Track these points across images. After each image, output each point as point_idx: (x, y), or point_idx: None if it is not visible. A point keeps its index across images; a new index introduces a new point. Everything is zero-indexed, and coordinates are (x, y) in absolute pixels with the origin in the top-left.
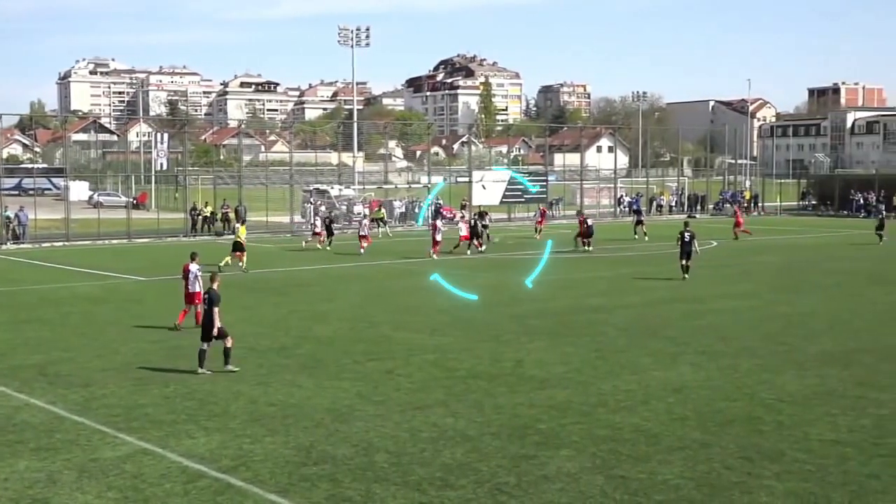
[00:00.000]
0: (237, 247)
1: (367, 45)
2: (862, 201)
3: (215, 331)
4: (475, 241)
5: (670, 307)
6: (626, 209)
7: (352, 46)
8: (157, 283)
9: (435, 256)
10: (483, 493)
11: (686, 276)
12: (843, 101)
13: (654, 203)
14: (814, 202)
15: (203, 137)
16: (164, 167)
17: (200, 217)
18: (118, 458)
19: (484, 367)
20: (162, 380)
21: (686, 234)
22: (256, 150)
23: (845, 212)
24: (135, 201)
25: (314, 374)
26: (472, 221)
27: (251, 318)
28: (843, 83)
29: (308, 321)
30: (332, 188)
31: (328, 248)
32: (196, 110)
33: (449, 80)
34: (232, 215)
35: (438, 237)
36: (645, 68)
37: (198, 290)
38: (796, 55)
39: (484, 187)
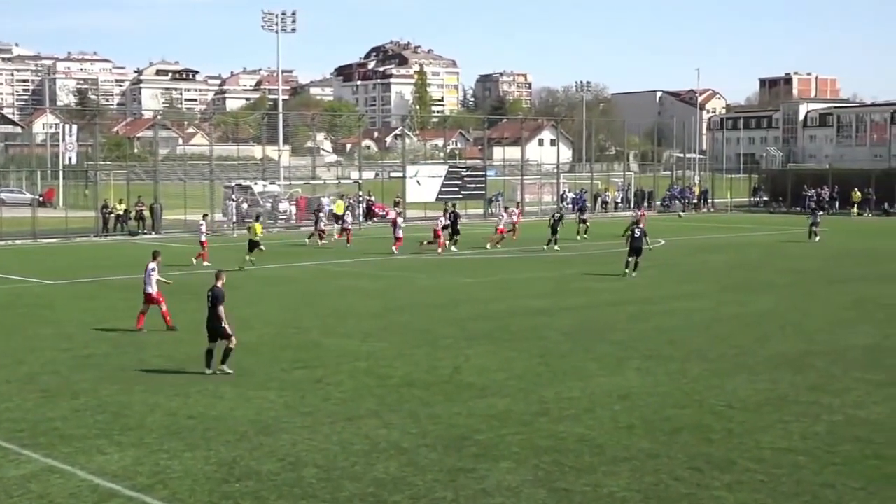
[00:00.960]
0: (253, 245)
1: (294, 30)
2: (815, 197)
3: (226, 328)
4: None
5: (616, 309)
6: (570, 206)
7: (277, 32)
8: (66, 286)
9: (394, 250)
10: None
11: (634, 273)
12: (795, 91)
13: (599, 199)
14: (765, 198)
15: (115, 129)
16: (73, 161)
17: (113, 215)
18: (23, 477)
19: (419, 374)
20: (71, 391)
21: (636, 230)
22: (174, 142)
23: (798, 208)
24: (41, 198)
25: (238, 383)
26: (451, 218)
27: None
28: (796, 73)
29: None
30: (255, 184)
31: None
32: (108, 100)
33: (381, 69)
34: (147, 213)
35: (399, 233)
36: (589, 57)
37: (151, 290)
38: (747, 44)
39: (419, 183)
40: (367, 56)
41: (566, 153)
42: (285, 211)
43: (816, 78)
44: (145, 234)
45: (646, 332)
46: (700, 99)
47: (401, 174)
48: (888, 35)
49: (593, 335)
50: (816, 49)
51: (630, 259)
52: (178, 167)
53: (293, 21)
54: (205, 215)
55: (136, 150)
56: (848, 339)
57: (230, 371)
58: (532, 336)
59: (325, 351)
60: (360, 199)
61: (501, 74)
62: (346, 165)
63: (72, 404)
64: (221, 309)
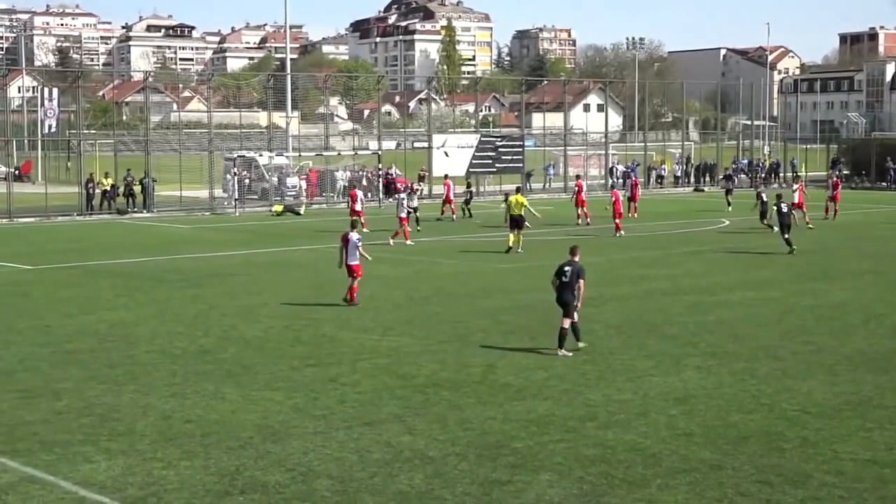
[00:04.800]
0: (516, 223)
1: None
2: None
3: (578, 305)
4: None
5: (672, 299)
6: (620, 180)
7: None
8: (45, 272)
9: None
10: None
11: (794, 248)
12: (881, 48)
13: (654, 173)
14: (846, 172)
15: (101, 93)
16: (53, 130)
17: (98, 191)
18: None
19: (448, 373)
20: (52, 391)
21: (783, 206)
22: (167, 108)
23: (884, 183)
24: (17, 172)
25: (241, 383)
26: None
27: (162, 314)
28: (882, 27)
29: (233, 318)
30: (260, 155)
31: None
32: (92, 60)
33: (403, 24)
34: (137, 189)
35: (358, 206)
36: (642, 10)
37: (356, 262)
38: None
39: (446, 154)
40: (388, 9)
41: (616, 120)
42: (294, 186)
43: None
44: (135, 212)
45: (706, 326)
46: (770, 58)
47: (426, 144)
48: None
49: (646, 329)
50: None
51: (786, 236)
52: (172, 136)
53: None
54: (518, 189)
55: (124, 117)
56: None
57: (582, 344)
58: None
59: (340, 346)
60: (380, 172)
61: (541, 30)
62: (363, 134)
63: (53, 406)
64: (583, 283)
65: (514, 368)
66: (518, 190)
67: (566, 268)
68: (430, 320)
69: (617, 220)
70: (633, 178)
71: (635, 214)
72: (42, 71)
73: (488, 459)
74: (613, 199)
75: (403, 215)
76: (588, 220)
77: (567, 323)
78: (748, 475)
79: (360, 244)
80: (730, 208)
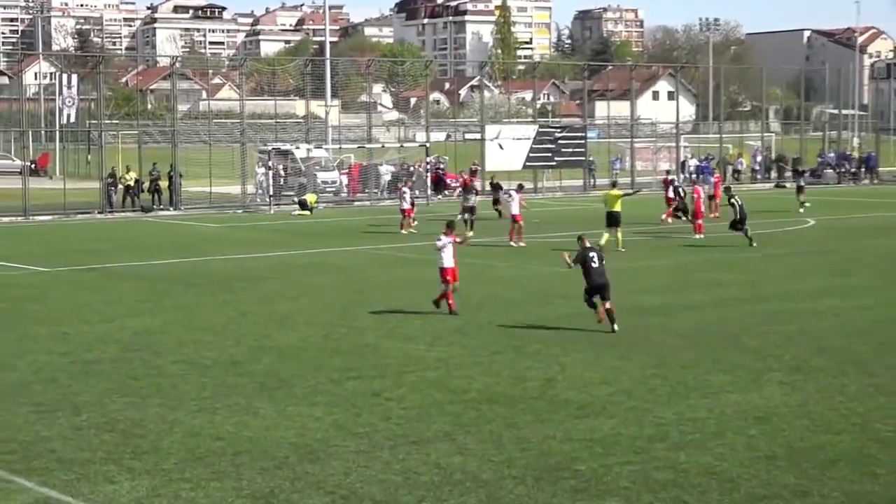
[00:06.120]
0: (613, 220)
1: None
2: None
3: None
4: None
5: (751, 308)
6: (693, 175)
7: None
8: (63, 274)
9: (404, 232)
10: None
11: (753, 242)
12: None
13: (730, 168)
14: None
15: (124, 80)
16: (73, 120)
17: (121, 187)
18: None
19: (502, 387)
20: (72, 405)
21: (737, 200)
22: (196, 96)
23: None
24: (33, 166)
25: (275, 397)
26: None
27: (190, 322)
28: None
29: (267, 326)
30: (297, 148)
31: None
32: (114, 44)
33: (453, 3)
34: (164, 184)
35: (405, 205)
36: None
37: (445, 265)
38: None
39: (501, 147)
40: None
41: (688, 109)
42: (334, 182)
43: None
44: (161, 209)
45: (790, 337)
46: (860, 40)
47: (478, 136)
48: None
49: (723, 340)
50: None
51: (745, 229)
52: (201, 127)
53: None
54: (614, 184)
55: (149, 106)
56: None
57: (617, 327)
58: (645, 341)
59: (384, 357)
60: (429, 166)
61: (605, 10)
62: (410, 125)
63: (72, 421)
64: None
65: (576, 383)
66: (614, 185)
67: (591, 254)
68: (482, 329)
69: (699, 221)
70: (716, 176)
71: (717, 213)
72: (60, 56)
73: (548, 483)
74: (695, 196)
75: (516, 212)
76: (670, 220)
77: (609, 304)
78: (837, 502)
79: (437, 243)
80: (801, 209)
